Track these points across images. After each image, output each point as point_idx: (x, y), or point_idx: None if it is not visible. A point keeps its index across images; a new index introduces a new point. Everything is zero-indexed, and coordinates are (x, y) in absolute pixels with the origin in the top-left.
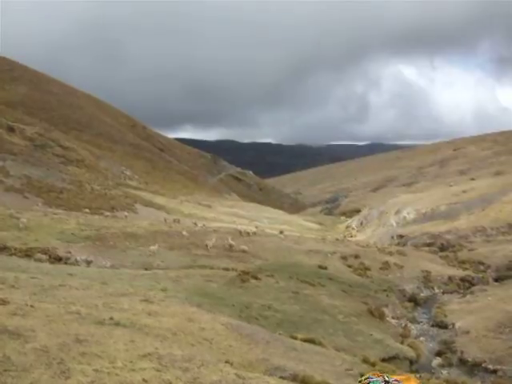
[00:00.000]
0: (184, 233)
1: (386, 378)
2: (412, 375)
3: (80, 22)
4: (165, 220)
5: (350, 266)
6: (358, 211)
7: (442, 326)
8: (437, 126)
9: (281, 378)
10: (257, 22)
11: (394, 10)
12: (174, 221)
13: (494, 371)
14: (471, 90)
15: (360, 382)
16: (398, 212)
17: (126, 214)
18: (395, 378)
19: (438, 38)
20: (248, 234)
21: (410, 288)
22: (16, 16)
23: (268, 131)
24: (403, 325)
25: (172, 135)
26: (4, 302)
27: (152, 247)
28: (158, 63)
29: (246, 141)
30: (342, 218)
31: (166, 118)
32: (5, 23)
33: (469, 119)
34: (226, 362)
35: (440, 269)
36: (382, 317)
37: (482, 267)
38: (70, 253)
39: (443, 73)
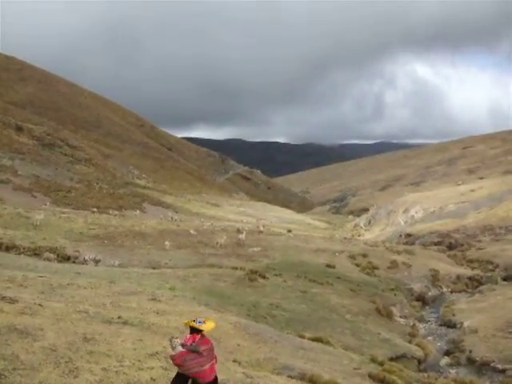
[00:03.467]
0: (192, 231)
1: (198, 318)
2: (209, 321)
3: (98, 23)
4: (171, 218)
5: (357, 265)
6: (365, 210)
7: (450, 325)
8: (451, 125)
9: (289, 376)
10: (273, 21)
11: (413, 9)
12: (173, 219)
13: (503, 371)
14: (487, 89)
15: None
16: (406, 211)
17: (136, 212)
18: (202, 319)
19: (456, 37)
20: (256, 232)
21: (418, 287)
22: (31, 17)
23: (282, 130)
24: (411, 324)
25: (185, 134)
26: (12, 301)
27: (166, 242)
28: (174, 63)
29: (258, 139)
30: (350, 216)
31: (181, 117)
32: (18, 24)
33: (484, 118)
34: (234, 360)
35: (448, 268)
36: (389, 316)
37: (490, 266)
38: (78, 252)
39: (460, 71)
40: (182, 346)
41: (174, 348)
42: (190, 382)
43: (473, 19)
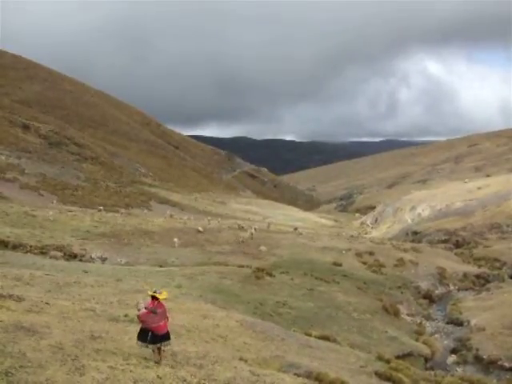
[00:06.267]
0: (199, 229)
1: (157, 290)
2: (165, 292)
3: (110, 22)
4: (170, 216)
5: (364, 263)
6: (372, 208)
7: (457, 323)
8: (462, 123)
9: (295, 374)
10: (286, 19)
11: (425, 6)
12: (172, 216)
13: (510, 369)
14: (499, 86)
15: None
16: (412, 209)
17: (144, 211)
18: (160, 291)
19: (469, 34)
20: (262, 230)
21: (424, 285)
22: (44, 16)
23: (293, 128)
24: (418, 322)
25: (196, 132)
26: (19, 299)
27: (175, 239)
28: (186, 61)
29: (266, 137)
30: (357, 214)
31: (192, 115)
32: (31, 23)
33: (495, 115)
34: (241, 358)
35: (455, 266)
36: (396, 314)
37: (497, 264)
38: (84, 250)
39: (472, 68)
40: (145, 308)
41: (139, 310)
42: (150, 334)
43: (485, 17)
